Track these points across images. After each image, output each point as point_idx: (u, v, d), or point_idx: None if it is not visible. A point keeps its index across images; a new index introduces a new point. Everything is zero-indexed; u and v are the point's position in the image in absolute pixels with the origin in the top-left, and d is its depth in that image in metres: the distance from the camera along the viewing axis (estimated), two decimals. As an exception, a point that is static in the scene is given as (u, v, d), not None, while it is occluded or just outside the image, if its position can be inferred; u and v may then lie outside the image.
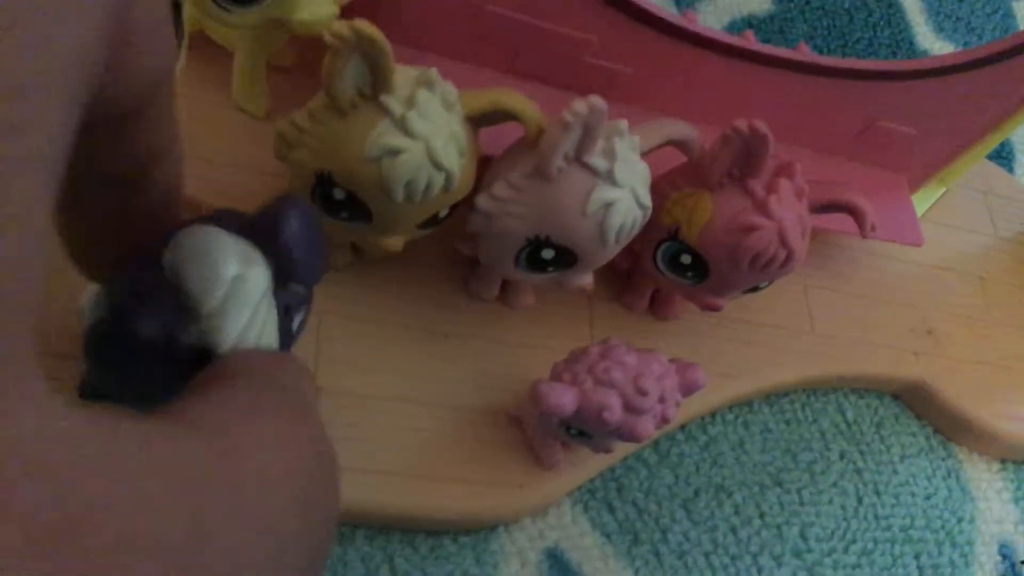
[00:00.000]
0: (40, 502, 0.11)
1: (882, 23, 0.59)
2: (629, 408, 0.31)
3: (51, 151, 0.13)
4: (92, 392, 0.24)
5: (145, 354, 0.21)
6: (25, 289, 0.12)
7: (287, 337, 0.24)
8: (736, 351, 0.42)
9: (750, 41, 0.37)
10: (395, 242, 0.32)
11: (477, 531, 0.35)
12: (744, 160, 0.33)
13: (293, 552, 0.16)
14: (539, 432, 0.34)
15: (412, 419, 0.34)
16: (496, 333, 0.37)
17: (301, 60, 0.37)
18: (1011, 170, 0.58)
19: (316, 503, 0.17)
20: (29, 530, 0.11)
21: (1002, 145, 0.57)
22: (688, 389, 0.33)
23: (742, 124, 0.31)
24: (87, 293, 0.26)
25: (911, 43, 0.59)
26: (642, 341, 0.34)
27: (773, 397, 0.43)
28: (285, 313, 0.23)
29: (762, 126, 0.31)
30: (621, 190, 0.31)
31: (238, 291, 0.21)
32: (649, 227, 0.34)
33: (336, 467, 0.19)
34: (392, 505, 0.33)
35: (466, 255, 0.35)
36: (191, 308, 0.21)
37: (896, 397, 0.47)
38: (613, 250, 0.33)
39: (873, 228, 0.35)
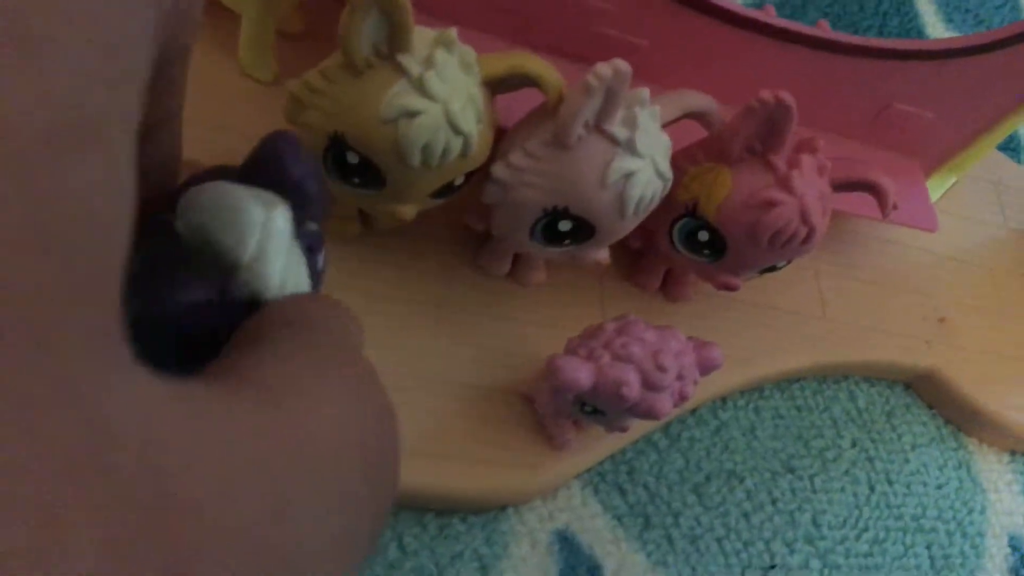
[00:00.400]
0: (154, 490, 0.11)
1: (891, 12, 0.58)
2: (648, 384, 0.30)
3: (135, 102, 0.13)
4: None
5: (199, 322, 0.20)
6: (121, 232, 0.12)
7: (316, 278, 0.24)
8: (748, 335, 0.41)
9: (771, 15, 0.36)
10: (408, 210, 0.31)
11: (487, 511, 0.34)
12: (766, 134, 0.32)
13: (365, 519, 0.16)
14: (551, 410, 0.34)
15: (420, 397, 0.33)
16: (506, 310, 0.36)
17: (309, 27, 0.36)
18: (1019, 161, 0.57)
19: (383, 463, 0.17)
20: (138, 523, 0.10)
21: (1010, 137, 0.56)
22: (706, 367, 0.32)
23: (767, 94, 0.31)
24: None
25: (920, 32, 0.58)
26: (652, 322, 0.33)
27: (784, 383, 0.43)
28: (310, 252, 0.23)
29: (787, 97, 0.31)
30: (642, 160, 0.30)
31: (270, 233, 0.21)
32: (666, 203, 0.33)
33: (396, 420, 0.19)
34: (402, 483, 0.32)
35: (476, 231, 0.34)
36: (228, 263, 0.20)
37: (907, 386, 0.46)
38: (632, 223, 0.32)
39: (895, 207, 0.34)
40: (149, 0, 0.13)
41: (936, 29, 0.59)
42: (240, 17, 0.34)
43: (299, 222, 0.23)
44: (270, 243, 0.21)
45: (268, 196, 0.21)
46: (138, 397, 0.12)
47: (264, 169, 0.22)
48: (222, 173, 0.22)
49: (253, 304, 0.21)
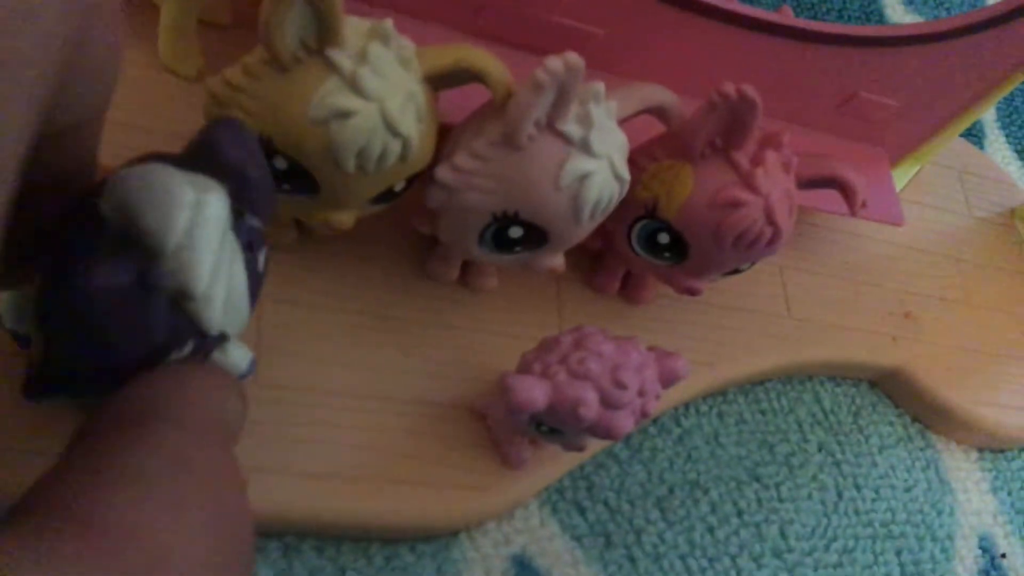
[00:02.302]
0: None
1: (852, -5, 0.56)
2: (606, 403, 0.28)
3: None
4: (47, 383, 0.20)
5: (117, 311, 0.18)
6: None
7: (255, 278, 0.21)
8: (711, 337, 0.39)
9: (733, 2, 0.34)
10: (345, 218, 0.28)
11: (437, 538, 0.32)
12: (729, 129, 0.30)
13: None
14: (505, 428, 0.31)
15: (363, 416, 0.31)
16: (456, 319, 0.34)
17: (238, 16, 0.33)
18: (982, 147, 0.56)
19: None
20: None
21: (974, 124, 0.55)
22: (668, 380, 0.30)
23: (729, 88, 0.29)
24: (6, 292, 0.22)
25: (880, 15, 0.57)
26: (613, 326, 0.31)
27: (748, 386, 0.41)
28: (248, 250, 0.21)
29: (751, 91, 0.29)
30: (597, 160, 0.28)
31: (201, 218, 0.19)
32: (624, 203, 0.30)
33: (252, 554, 0.18)
34: (342, 512, 0.29)
35: (424, 234, 0.32)
36: (152, 248, 0.18)
37: (873, 385, 0.44)
38: (587, 228, 0.30)
39: (864, 205, 0.33)
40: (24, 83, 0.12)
41: (896, 12, 0.58)
42: (159, 7, 0.31)
43: (238, 214, 0.21)
44: (200, 230, 0.19)
45: (203, 180, 0.19)
46: None
47: (201, 154, 0.20)
48: (157, 158, 0.20)
49: (178, 299, 0.19)
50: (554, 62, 0.25)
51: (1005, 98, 0.57)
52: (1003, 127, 0.58)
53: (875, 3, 0.57)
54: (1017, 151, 0.57)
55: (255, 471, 0.28)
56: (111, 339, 0.19)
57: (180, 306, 0.20)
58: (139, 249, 0.19)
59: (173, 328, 0.20)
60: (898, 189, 0.46)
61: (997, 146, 0.57)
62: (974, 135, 0.56)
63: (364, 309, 0.33)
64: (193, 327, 0.20)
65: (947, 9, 0.60)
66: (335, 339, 0.32)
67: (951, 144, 0.47)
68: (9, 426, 0.26)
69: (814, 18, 0.54)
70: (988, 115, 0.57)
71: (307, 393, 0.30)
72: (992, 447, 0.45)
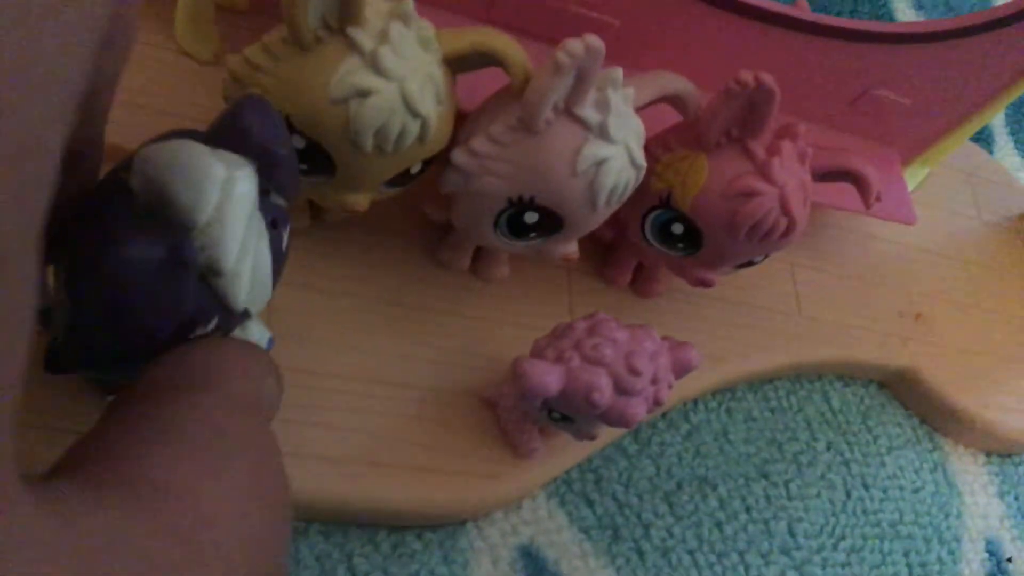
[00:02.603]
0: None
1: (862, -3, 0.56)
2: (620, 389, 0.28)
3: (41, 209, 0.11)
4: (73, 356, 0.20)
5: (148, 284, 0.18)
6: (10, 357, 0.11)
7: (279, 256, 0.21)
8: (721, 333, 0.39)
9: (747, -6, 0.34)
10: (360, 200, 0.28)
11: (444, 527, 0.31)
12: (745, 118, 0.30)
13: None
14: (515, 416, 0.31)
15: (373, 402, 0.31)
16: (467, 308, 0.34)
17: (255, 1, 0.33)
18: (991, 152, 0.56)
19: (268, 563, 0.16)
20: None
21: (982, 127, 0.55)
22: (681, 369, 0.30)
23: (747, 76, 0.28)
24: None
25: (890, 17, 0.57)
26: (622, 318, 0.30)
27: (757, 384, 0.41)
28: (273, 228, 0.21)
29: (769, 80, 0.29)
30: (614, 146, 0.28)
31: (231, 194, 0.19)
32: (638, 193, 0.30)
33: (289, 514, 0.18)
34: (350, 497, 0.29)
35: (436, 221, 0.32)
36: (183, 224, 0.18)
37: (882, 386, 0.44)
38: (602, 215, 0.29)
39: (878, 198, 0.32)
40: (68, 79, 0.12)
41: (906, 14, 0.58)
42: (176, -11, 0.31)
43: (264, 192, 0.21)
44: (230, 207, 0.19)
45: (232, 157, 0.20)
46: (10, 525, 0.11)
47: (229, 132, 0.20)
48: (186, 134, 0.20)
49: (206, 274, 0.19)
50: (575, 44, 0.25)
51: (1013, 105, 0.57)
52: (1012, 133, 0.58)
53: (885, 6, 0.57)
54: (1026, 156, 0.57)
55: (265, 453, 0.28)
56: (141, 312, 0.19)
57: (208, 282, 0.20)
58: (169, 224, 0.19)
59: (201, 303, 0.20)
60: (910, 190, 0.46)
61: (1006, 151, 0.57)
62: (984, 140, 0.56)
63: (375, 295, 0.32)
64: (219, 303, 0.20)
65: (955, 12, 0.60)
66: (345, 324, 0.32)
67: (961, 148, 0.47)
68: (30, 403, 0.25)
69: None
70: (997, 121, 0.57)
71: (316, 377, 0.30)
72: (1000, 450, 0.45)
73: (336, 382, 0.31)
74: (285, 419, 0.29)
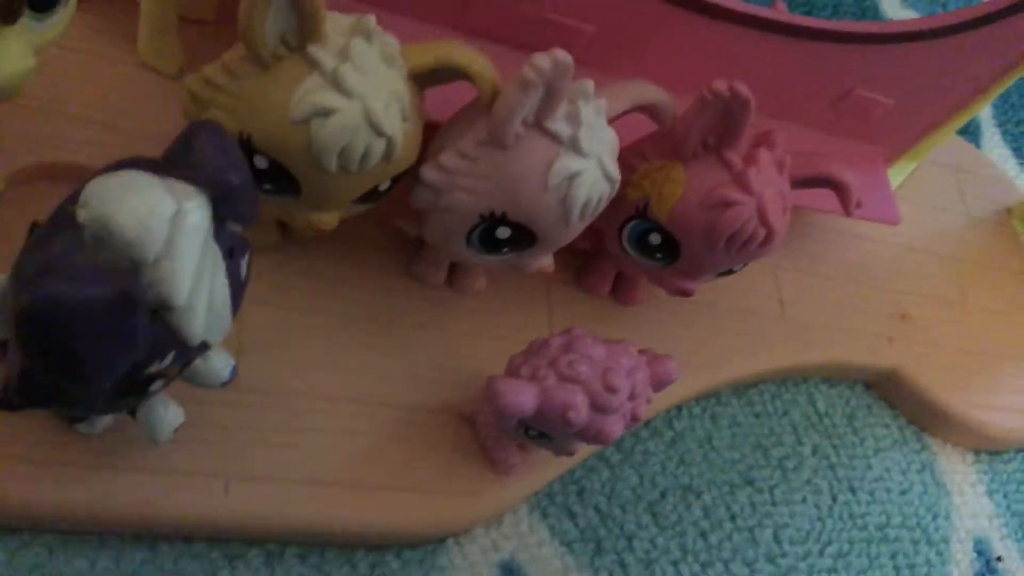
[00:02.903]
0: None
1: (847, -10, 0.56)
2: (596, 407, 0.27)
3: None
4: (25, 396, 0.20)
5: (96, 325, 0.18)
6: None
7: (238, 285, 0.21)
8: (704, 339, 0.38)
9: (724, -3, 0.33)
10: (328, 219, 0.27)
11: (424, 545, 0.31)
12: (721, 128, 0.30)
13: None
14: (493, 433, 0.31)
15: (349, 420, 0.30)
16: (444, 322, 0.33)
17: (221, 12, 0.33)
18: (978, 145, 0.55)
19: None
20: None
21: (969, 121, 0.54)
22: (660, 383, 0.29)
23: (721, 85, 0.28)
24: None
25: (876, 11, 0.56)
26: (604, 328, 0.30)
27: (741, 388, 0.40)
28: (230, 257, 0.20)
29: (743, 89, 0.28)
30: (587, 160, 0.27)
31: (181, 228, 0.18)
32: (615, 203, 0.30)
33: None
34: (327, 519, 0.29)
35: (410, 235, 0.31)
36: (132, 259, 0.18)
37: (868, 386, 0.44)
38: (576, 228, 0.29)
39: (859, 205, 0.32)
40: None
41: (892, 8, 0.57)
42: (139, 2, 0.31)
43: (219, 220, 0.20)
44: (180, 240, 0.19)
45: (183, 187, 0.19)
46: None
47: (182, 159, 0.20)
48: (137, 163, 0.20)
49: (159, 310, 0.19)
50: (541, 59, 0.25)
51: (1001, 96, 0.56)
52: (999, 125, 0.57)
53: (869, 1, 0.56)
54: (1013, 149, 0.57)
55: (235, 477, 0.28)
56: (90, 357, 0.18)
57: (161, 317, 0.19)
58: (117, 260, 0.18)
59: (154, 340, 0.19)
60: (894, 187, 0.46)
61: (993, 143, 0.57)
62: (970, 133, 0.56)
63: (348, 311, 0.32)
64: (174, 338, 0.20)
65: (943, 5, 0.59)
66: (318, 342, 0.31)
67: (947, 142, 0.47)
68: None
69: (809, 13, 0.53)
70: (984, 113, 0.57)
71: (288, 397, 0.30)
72: (988, 449, 0.45)
73: (310, 402, 0.30)
74: (258, 440, 0.29)
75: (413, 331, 0.33)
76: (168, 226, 0.18)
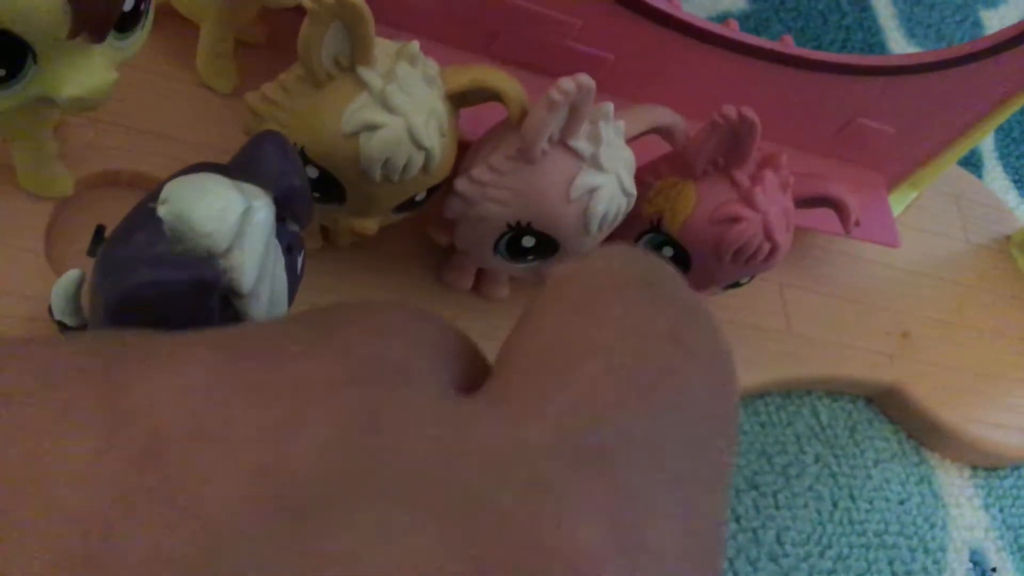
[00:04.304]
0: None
1: (855, 27, 0.58)
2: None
3: None
4: None
5: (176, 306, 0.21)
6: None
7: (294, 278, 0.24)
8: (713, 350, 0.41)
9: (735, 31, 0.36)
10: (369, 225, 0.30)
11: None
12: (730, 149, 0.32)
13: None
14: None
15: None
16: (469, 326, 0.36)
17: (272, 37, 0.36)
18: (980, 176, 0.58)
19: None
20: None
21: (971, 152, 0.57)
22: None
23: (730, 110, 0.31)
24: (56, 287, 0.25)
25: (883, 47, 0.59)
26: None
27: (747, 399, 0.42)
28: (288, 253, 0.23)
29: (750, 113, 0.31)
30: (606, 175, 0.30)
31: (249, 223, 0.21)
32: (631, 218, 0.32)
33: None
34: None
35: (440, 244, 0.34)
36: (205, 250, 0.21)
37: (869, 401, 0.46)
38: (596, 239, 0.31)
39: (857, 223, 0.34)
40: None
41: (899, 44, 0.60)
42: (200, 27, 0.34)
43: (280, 219, 0.23)
44: (248, 234, 0.21)
45: (250, 188, 0.22)
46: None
47: (248, 164, 0.22)
48: (209, 167, 0.22)
49: (230, 295, 0.21)
50: (567, 82, 0.27)
51: (1002, 128, 0.59)
52: (1001, 157, 0.60)
53: (877, 36, 0.59)
54: (1014, 180, 0.59)
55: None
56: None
57: (229, 302, 0.22)
58: (195, 250, 0.21)
59: (224, 321, 0.22)
60: (896, 214, 0.48)
61: (995, 175, 0.59)
62: (973, 164, 0.58)
63: (383, 313, 0.34)
64: (239, 322, 0.22)
65: (948, 43, 0.62)
66: (356, 341, 0.33)
67: (949, 172, 0.49)
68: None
69: (818, 48, 0.56)
70: (986, 145, 0.59)
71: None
72: (985, 465, 0.47)
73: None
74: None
75: (441, 333, 0.35)
76: (239, 221, 0.21)
